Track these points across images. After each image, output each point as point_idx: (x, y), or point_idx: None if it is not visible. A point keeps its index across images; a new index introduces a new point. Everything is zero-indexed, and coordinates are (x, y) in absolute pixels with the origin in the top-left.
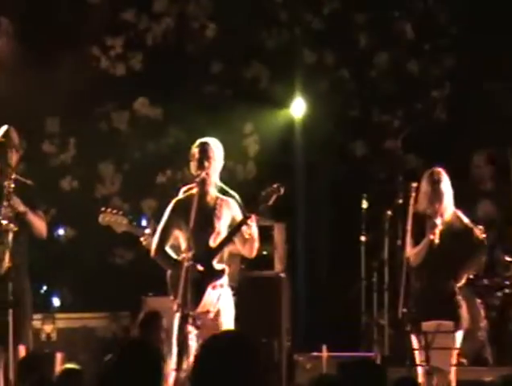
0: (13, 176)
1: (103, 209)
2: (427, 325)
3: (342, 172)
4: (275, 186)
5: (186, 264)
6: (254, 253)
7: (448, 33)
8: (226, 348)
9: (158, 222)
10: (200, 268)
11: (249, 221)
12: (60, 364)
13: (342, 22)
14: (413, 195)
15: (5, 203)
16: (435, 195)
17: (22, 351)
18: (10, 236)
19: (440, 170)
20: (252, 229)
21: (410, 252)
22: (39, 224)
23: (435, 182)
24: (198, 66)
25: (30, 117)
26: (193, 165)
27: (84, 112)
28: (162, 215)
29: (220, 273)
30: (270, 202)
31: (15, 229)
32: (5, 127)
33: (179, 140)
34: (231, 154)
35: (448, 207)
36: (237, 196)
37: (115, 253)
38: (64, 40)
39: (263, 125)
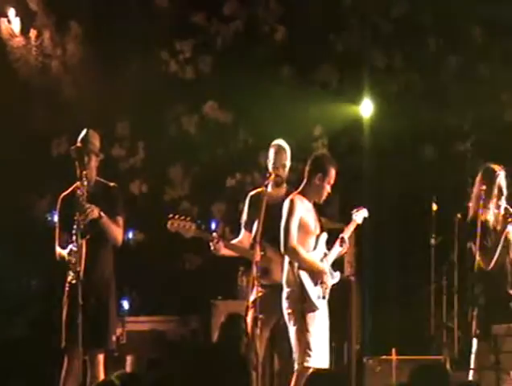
0: (86, 182)
1: (171, 215)
2: (497, 328)
3: (412, 175)
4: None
5: None
6: None
7: None
8: None
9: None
10: None
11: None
12: (130, 367)
13: (411, 25)
14: (482, 198)
15: (79, 212)
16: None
17: (100, 356)
18: (84, 242)
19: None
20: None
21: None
22: (115, 231)
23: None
24: (267, 69)
25: (99, 120)
26: None
27: (154, 115)
28: (231, 218)
29: None
30: None
31: (88, 237)
32: (84, 131)
33: (249, 143)
34: (301, 157)
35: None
36: None
37: (184, 258)
38: (134, 44)
39: (333, 129)
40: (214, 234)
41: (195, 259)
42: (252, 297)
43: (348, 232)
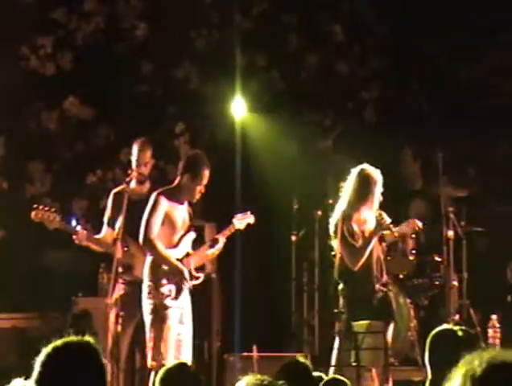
0: None
1: (35, 206)
2: (358, 325)
3: (273, 171)
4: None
5: None
6: None
7: (377, 34)
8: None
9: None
10: None
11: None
12: None
13: (272, 23)
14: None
15: None
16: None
17: None
18: None
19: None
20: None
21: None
22: None
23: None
24: (128, 66)
25: None
26: None
27: (14, 111)
28: (92, 214)
29: None
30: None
31: None
32: None
33: (110, 139)
34: (163, 154)
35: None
36: None
37: (45, 254)
38: None
39: (196, 125)
40: (79, 227)
41: (56, 256)
42: (114, 294)
43: (225, 235)
